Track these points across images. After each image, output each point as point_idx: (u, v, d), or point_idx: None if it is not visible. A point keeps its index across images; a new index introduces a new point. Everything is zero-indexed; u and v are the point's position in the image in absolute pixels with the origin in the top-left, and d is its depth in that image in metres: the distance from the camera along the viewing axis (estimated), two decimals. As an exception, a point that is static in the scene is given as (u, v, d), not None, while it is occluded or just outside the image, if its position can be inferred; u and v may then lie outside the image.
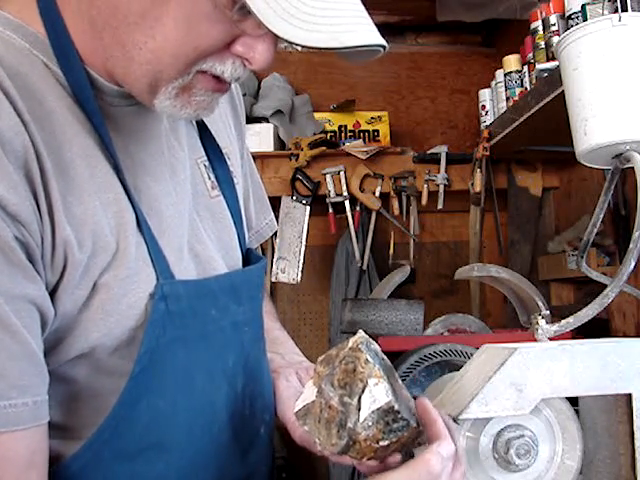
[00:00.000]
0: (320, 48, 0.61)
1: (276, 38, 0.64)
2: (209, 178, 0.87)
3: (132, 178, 0.74)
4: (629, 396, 0.76)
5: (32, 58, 0.69)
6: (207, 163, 0.88)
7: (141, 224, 0.72)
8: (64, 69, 0.70)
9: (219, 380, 0.80)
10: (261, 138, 2.43)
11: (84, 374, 0.72)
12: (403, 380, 1.19)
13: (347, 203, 2.46)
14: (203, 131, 0.90)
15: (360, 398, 0.67)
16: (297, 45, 0.61)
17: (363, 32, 0.63)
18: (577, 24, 1.49)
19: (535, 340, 0.88)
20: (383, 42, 0.65)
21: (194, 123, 0.89)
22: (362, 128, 2.72)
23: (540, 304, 1.64)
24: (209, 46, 0.65)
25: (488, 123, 2.33)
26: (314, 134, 2.55)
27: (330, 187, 2.45)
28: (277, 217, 2.46)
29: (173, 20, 0.63)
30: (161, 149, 0.80)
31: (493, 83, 2.33)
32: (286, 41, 0.61)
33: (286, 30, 0.60)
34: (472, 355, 0.83)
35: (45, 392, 0.66)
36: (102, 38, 0.68)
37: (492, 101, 2.35)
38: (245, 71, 0.69)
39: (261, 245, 1.14)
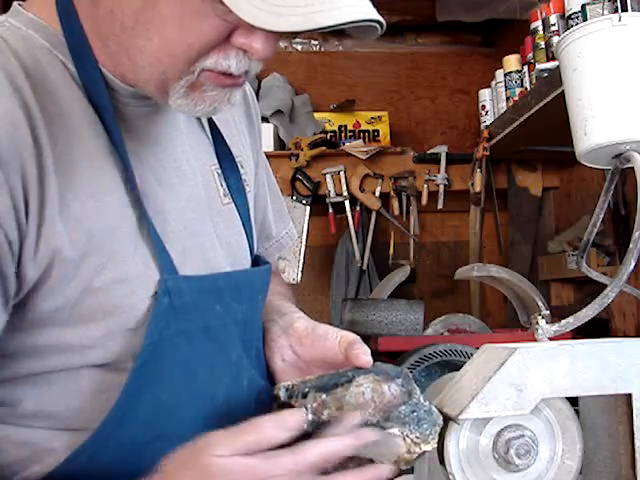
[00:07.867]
0: (294, 32, 0.60)
1: None
2: (221, 185, 0.88)
3: (139, 180, 0.74)
4: (629, 396, 0.76)
5: (51, 57, 0.71)
6: (220, 171, 0.89)
7: (145, 224, 0.73)
8: (79, 66, 0.71)
9: (220, 374, 0.80)
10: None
11: (90, 369, 0.72)
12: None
13: (347, 203, 2.46)
14: (217, 139, 0.90)
15: None
16: (269, 31, 0.59)
17: (345, 9, 0.60)
18: (577, 24, 1.49)
19: (535, 340, 0.88)
20: (372, 16, 0.62)
21: (208, 132, 0.90)
22: (362, 128, 2.72)
23: (540, 304, 1.64)
24: (205, 42, 0.65)
25: (488, 123, 2.33)
26: (314, 134, 2.55)
27: (330, 187, 2.45)
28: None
29: (164, 20, 0.64)
30: (172, 154, 0.80)
31: (493, 83, 2.33)
32: (257, 28, 0.60)
33: (255, 16, 0.59)
34: (472, 355, 0.83)
35: None
36: (109, 46, 0.70)
37: (492, 101, 2.35)
38: (252, 63, 0.69)
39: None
